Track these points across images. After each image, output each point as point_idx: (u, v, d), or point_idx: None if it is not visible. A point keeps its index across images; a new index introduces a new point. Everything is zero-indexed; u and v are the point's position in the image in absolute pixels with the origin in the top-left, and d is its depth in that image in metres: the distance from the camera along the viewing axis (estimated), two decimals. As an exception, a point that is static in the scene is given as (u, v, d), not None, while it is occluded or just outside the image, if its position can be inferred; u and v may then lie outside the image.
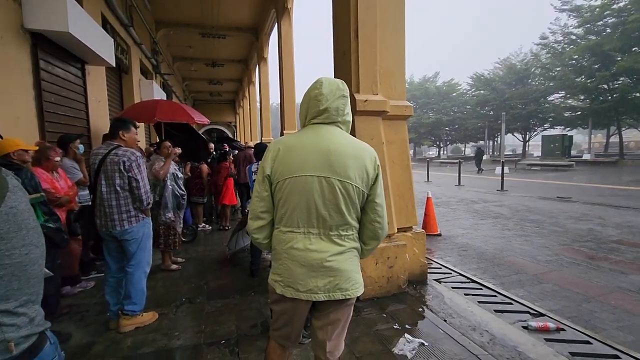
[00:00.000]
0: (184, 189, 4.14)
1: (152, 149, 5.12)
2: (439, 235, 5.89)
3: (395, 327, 2.75)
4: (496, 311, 3.06)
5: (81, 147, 3.87)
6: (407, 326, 2.76)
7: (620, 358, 2.36)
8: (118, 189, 2.59)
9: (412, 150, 51.37)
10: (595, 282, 3.74)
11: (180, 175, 4.23)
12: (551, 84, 29.56)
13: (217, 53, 13.22)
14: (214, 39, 11.12)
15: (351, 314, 1.56)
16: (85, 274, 3.87)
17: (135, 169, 2.60)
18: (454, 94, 42.62)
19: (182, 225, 4.39)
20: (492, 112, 35.14)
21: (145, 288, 2.86)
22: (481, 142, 37.51)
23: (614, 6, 22.24)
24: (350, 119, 1.52)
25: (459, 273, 4.02)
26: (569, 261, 4.44)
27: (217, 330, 2.75)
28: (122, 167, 2.56)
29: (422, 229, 6.02)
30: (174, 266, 4.16)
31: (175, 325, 2.85)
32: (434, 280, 3.77)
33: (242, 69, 15.54)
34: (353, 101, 3.21)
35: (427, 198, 6.01)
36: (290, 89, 8.52)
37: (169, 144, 4.06)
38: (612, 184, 12.77)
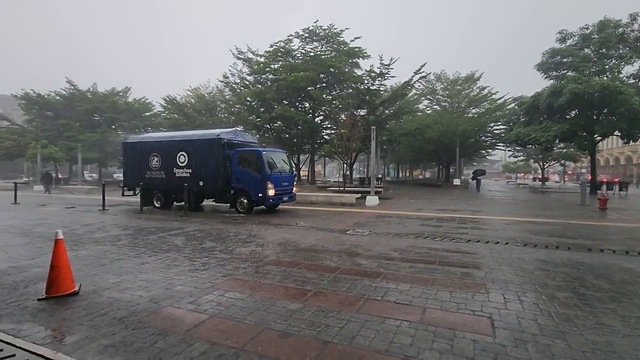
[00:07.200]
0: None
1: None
2: (76, 293, 4.10)
3: None
4: None
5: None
6: None
7: None
8: None
9: (99, 171, 44.79)
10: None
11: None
12: (232, 118, 34.29)
13: None
14: None
15: None
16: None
17: None
18: (148, 114, 40.45)
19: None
20: (185, 137, 35.94)
21: None
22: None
23: (272, 66, 28.93)
24: None
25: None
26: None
27: None
28: None
29: (49, 289, 4.03)
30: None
31: None
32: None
33: None
34: None
35: (56, 240, 4.08)
36: None
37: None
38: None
